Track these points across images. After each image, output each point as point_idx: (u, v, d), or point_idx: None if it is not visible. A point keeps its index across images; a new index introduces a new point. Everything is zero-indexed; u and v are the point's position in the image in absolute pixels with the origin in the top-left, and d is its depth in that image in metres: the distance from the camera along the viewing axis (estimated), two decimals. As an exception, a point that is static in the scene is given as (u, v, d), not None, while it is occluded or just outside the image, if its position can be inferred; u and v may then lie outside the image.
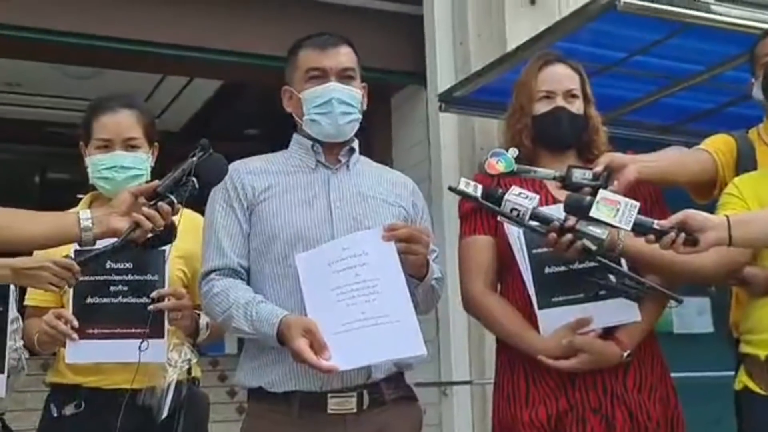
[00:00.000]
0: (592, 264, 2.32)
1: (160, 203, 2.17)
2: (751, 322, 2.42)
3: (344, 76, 2.42)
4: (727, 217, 2.22)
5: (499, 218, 2.34)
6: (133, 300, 2.59)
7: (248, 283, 2.36)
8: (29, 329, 2.67)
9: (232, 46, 5.37)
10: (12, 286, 2.61)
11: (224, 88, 7.32)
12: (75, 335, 2.53)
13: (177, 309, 2.57)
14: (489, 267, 2.55)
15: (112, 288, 2.60)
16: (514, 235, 2.42)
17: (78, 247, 2.33)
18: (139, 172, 2.69)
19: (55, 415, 2.65)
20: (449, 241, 4.05)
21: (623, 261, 2.39)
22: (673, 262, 2.30)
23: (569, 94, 2.59)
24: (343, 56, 2.44)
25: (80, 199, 2.84)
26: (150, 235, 2.21)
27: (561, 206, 2.30)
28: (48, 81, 7.12)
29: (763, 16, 4.28)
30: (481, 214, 2.55)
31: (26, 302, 2.75)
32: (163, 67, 6.07)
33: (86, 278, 2.50)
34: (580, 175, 2.39)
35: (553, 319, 2.40)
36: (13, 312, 2.65)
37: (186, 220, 2.33)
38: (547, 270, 2.40)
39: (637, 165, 2.46)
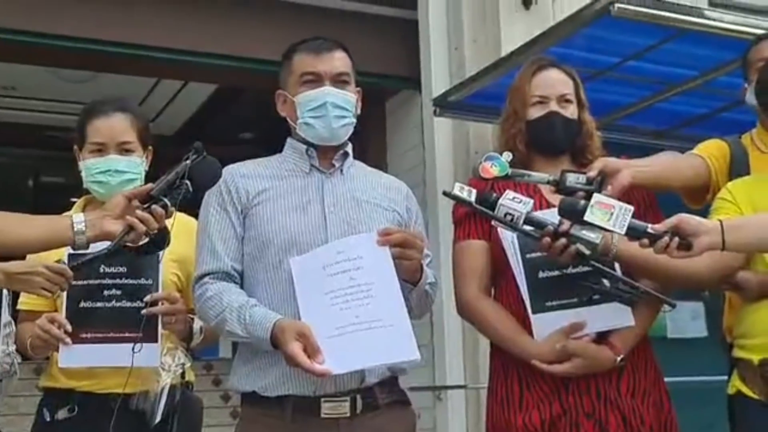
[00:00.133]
0: (586, 268, 2.32)
1: (153, 206, 2.16)
2: (745, 327, 2.42)
3: (339, 80, 2.42)
4: (720, 221, 2.22)
5: (493, 223, 2.34)
6: (127, 304, 2.58)
7: (241, 288, 2.35)
8: (22, 333, 2.66)
9: (227, 50, 5.38)
10: (5, 290, 2.60)
11: (219, 92, 7.32)
12: (68, 339, 2.52)
13: (171, 313, 2.56)
14: (483, 271, 2.54)
15: (105, 292, 2.59)
16: (508, 239, 2.42)
17: (71, 251, 2.32)
18: (133, 176, 2.68)
19: (48, 419, 2.64)
20: (444, 245, 4.05)
21: (617, 265, 2.38)
22: (666, 266, 2.30)
23: (563, 99, 2.59)
24: (338, 61, 2.43)
25: (74, 202, 2.84)
26: (144, 240, 2.20)
27: (555, 211, 2.30)
28: (43, 85, 7.13)
29: (756, 21, 4.30)
30: (475, 218, 2.54)
31: (19, 306, 2.74)
32: (158, 70, 6.08)
33: (80, 282, 2.49)
34: (573, 179, 2.38)
35: (547, 324, 2.39)
36: (5, 316, 2.64)
37: (180, 223, 2.33)
38: (540, 274, 2.40)
39: (630, 170, 2.45)
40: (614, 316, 2.38)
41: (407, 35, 5.73)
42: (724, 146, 2.73)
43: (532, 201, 2.28)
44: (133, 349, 2.45)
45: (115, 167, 2.67)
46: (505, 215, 2.24)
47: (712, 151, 2.72)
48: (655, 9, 4.13)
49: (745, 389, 2.40)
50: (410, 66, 5.74)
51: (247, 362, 2.34)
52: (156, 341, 2.53)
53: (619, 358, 2.40)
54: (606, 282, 2.33)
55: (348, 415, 2.26)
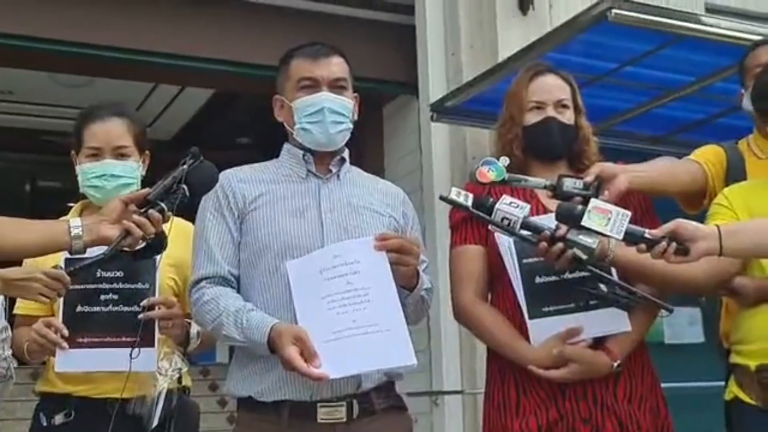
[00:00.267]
0: (583, 274, 2.32)
1: (150, 211, 2.16)
2: (741, 333, 2.42)
3: (336, 86, 2.42)
4: (717, 227, 2.22)
5: (490, 227, 2.34)
6: (124, 309, 2.58)
7: (238, 292, 2.35)
8: (18, 338, 2.65)
9: (224, 55, 5.38)
10: (1, 296, 2.60)
11: (216, 97, 7.32)
12: (65, 344, 2.51)
13: (167, 318, 2.56)
14: (479, 277, 2.54)
15: (102, 297, 2.58)
16: (505, 244, 2.42)
17: (68, 256, 2.32)
18: (129, 181, 2.68)
19: (45, 424, 2.63)
20: (441, 250, 4.05)
21: (614, 271, 2.38)
22: (663, 271, 2.30)
23: (560, 105, 2.59)
24: (335, 66, 2.44)
25: (71, 207, 2.84)
26: (141, 244, 2.20)
27: (552, 216, 2.30)
28: (40, 89, 7.12)
29: (752, 27, 4.30)
30: (471, 223, 2.55)
31: (16, 311, 2.73)
32: (155, 75, 6.08)
33: (76, 287, 2.49)
34: (570, 184, 2.38)
35: (544, 329, 2.39)
36: (2, 321, 2.64)
37: (177, 228, 2.33)
38: (537, 280, 2.40)
39: (627, 175, 2.46)
40: (611, 321, 2.38)
41: (404, 41, 5.74)
42: (720, 152, 2.74)
43: (529, 206, 2.29)
44: (131, 354, 2.44)
45: (111, 172, 2.67)
46: (502, 220, 2.25)
47: (708, 156, 2.73)
48: (652, 15, 4.14)
49: (742, 395, 2.40)
50: (407, 71, 5.74)
51: (244, 367, 2.34)
52: (153, 346, 2.53)
53: (615, 364, 2.40)
54: (603, 287, 2.33)
55: (344, 420, 2.26)
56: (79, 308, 2.57)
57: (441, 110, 5.24)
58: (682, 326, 5.45)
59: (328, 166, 2.46)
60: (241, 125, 7.87)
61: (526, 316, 2.40)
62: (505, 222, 2.25)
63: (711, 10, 5.73)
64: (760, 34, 3.80)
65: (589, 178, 2.41)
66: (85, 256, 2.23)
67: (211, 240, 2.36)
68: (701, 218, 2.46)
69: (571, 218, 2.23)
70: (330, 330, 2.18)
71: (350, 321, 2.18)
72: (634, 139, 5.40)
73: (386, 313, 2.19)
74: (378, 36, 5.72)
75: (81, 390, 2.61)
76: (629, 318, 2.38)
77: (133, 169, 2.70)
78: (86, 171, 2.69)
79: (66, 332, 2.52)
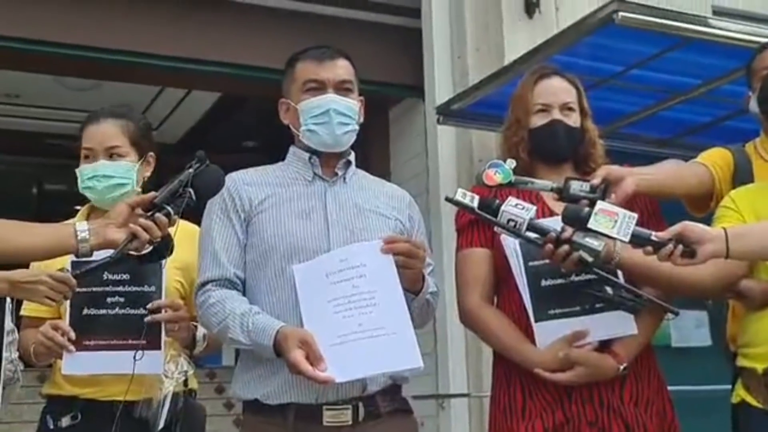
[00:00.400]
0: (589, 276, 2.32)
1: (157, 214, 2.17)
2: (748, 336, 2.42)
3: (342, 88, 2.43)
4: (724, 229, 2.22)
5: (495, 229, 2.34)
6: (130, 311, 2.58)
7: (244, 295, 2.36)
8: (25, 340, 2.66)
9: (230, 58, 5.39)
10: (8, 298, 2.61)
11: (222, 101, 7.33)
12: (71, 346, 2.52)
13: (174, 321, 2.57)
14: (485, 280, 2.54)
15: (109, 299, 2.59)
16: (511, 247, 2.42)
17: (74, 259, 2.32)
18: (122, 181, 2.69)
19: (51, 427, 2.64)
20: (447, 253, 4.06)
21: (620, 273, 2.38)
22: (670, 274, 2.30)
23: (565, 107, 2.59)
24: (341, 69, 2.44)
25: (78, 210, 2.85)
26: (147, 248, 2.21)
27: (558, 218, 2.30)
28: (46, 92, 7.14)
29: (760, 30, 4.30)
30: (477, 226, 2.55)
31: (22, 313, 2.74)
32: (162, 79, 6.09)
33: (83, 289, 2.50)
34: (577, 187, 2.38)
35: (550, 332, 2.39)
36: (8, 324, 2.64)
37: (183, 231, 2.33)
38: (543, 283, 2.40)
39: (634, 177, 2.46)
40: (617, 324, 2.38)
41: (410, 44, 5.74)
42: (727, 155, 2.73)
43: (535, 207, 2.28)
44: (134, 356, 2.45)
45: (103, 172, 2.69)
46: (508, 221, 2.25)
47: (715, 159, 2.72)
48: (659, 17, 4.13)
49: (749, 398, 2.39)
50: (413, 74, 5.74)
51: (249, 370, 2.34)
52: (159, 348, 2.54)
53: (621, 367, 2.40)
54: (609, 290, 2.33)
55: (350, 423, 2.26)
56: (85, 311, 2.58)
57: (447, 113, 5.25)
58: (689, 329, 5.44)
59: (334, 169, 2.46)
60: (248, 128, 7.88)
61: (531, 319, 2.40)
62: (511, 224, 2.25)
63: (718, 12, 5.72)
64: (767, 37, 3.79)
65: (595, 181, 2.40)
66: (92, 259, 2.24)
67: (217, 243, 2.37)
68: (708, 221, 2.46)
69: (577, 220, 2.23)
70: (336, 333, 2.18)
71: (356, 325, 2.18)
72: (641, 142, 5.40)
73: (393, 317, 2.19)
74: (384, 39, 5.73)
75: (88, 392, 2.62)
76: (635, 321, 2.38)
77: (126, 169, 2.71)
78: (82, 173, 2.72)
79: (73, 335, 2.53)
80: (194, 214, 2.40)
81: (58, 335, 2.52)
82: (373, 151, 5.92)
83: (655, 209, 2.61)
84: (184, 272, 2.70)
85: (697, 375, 4.75)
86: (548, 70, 2.68)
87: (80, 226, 2.15)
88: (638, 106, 5.14)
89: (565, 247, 2.24)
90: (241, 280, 2.37)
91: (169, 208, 2.18)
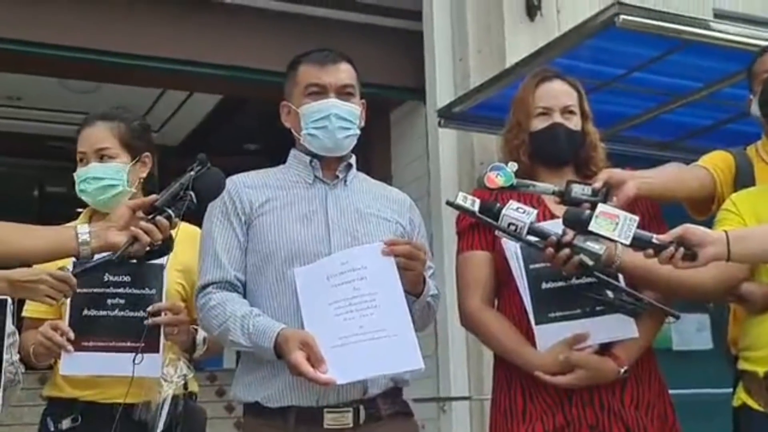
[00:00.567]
0: (590, 279, 2.32)
1: (158, 217, 2.17)
2: (749, 339, 2.42)
3: (343, 92, 2.42)
4: (726, 232, 2.22)
5: (496, 233, 2.34)
6: (130, 314, 2.59)
7: (245, 298, 2.36)
8: (26, 341, 2.67)
9: (232, 60, 5.40)
10: (9, 299, 2.61)
11: (224, 103, 7.34)
12: (70, 347, 2.53)
13: (173, 324, 2.57)
14: (486, 282, 2.54)
15: (109, 301, 2.60)
16: (511, 250, 2.42)
17: (75, 261, 2.33)
18: (112, 182, 2.70)
19: (52, 429, 2.64)
20: (448, 256, 4.06)
21: (621, 276, 2.38)
22: (670, 277, 2.30)
23: (566, 110, 2.59)
24: (343, 73, 2.44)
25: (79, 213, 2.85)
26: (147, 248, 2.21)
27: (559, 221, 2.30)
28: (48, 95, 7.15)
29: (761, 33, 4.30)
30: (478, 229, 2.55)
31: (24, 313, 2.75)
32: (163, 81, 6.10)
33: (84, 290, 2.50)
34: (579, 190, 2.38)
35: (550, 335, 2.39)
36: (9, 326, 2.64)
37: (184, 233, 2.33)
38: (544, 285, 2.40)
39: (636, 181, 2.45)
40: (618, 327, 2.38)
41: (412, 46, 5.75)
42: (729, 158, 2.73)
43: (535, 211, 2.28)
44: (134, 359, 2.45)
45: (93, 174, 2.71)
46: (509, 225, 2.25)
47: (717, 162, 2.72)
48: (660, 20, 4.14)
49: (750, 402, 2.39)
50: (415, 77, 5.75)
51: (250, 372, 2.34)
52: (158, 351, 2.54)
53: (622, 370, 2.40)
54: (609, 293, 2.33)
55: (351, 425, 2.26)
56: (85, 312, 2.59)
57: (448, 116, 5.25)
58: (690, 333, 5.44)
59: (335, 172, 2.46)
60: (249, 131, 7.89)
61: (532, 321, 2.40)
62: (512, 227, 2.25)
63: (719, 15, 5.73)
64: (768, 40, 3.79)
65: (597, 184, 2.40)
66: (93, 262, 2.24)
67: (218, 245, 2.37)
68: (709, 224, 2.46)
69: (578, 223, 2.23)
70: (337, 335, 2.18)
71: (357, 327, 2.18)
72: (642, 145, 5.40)
73: (394, 318, 2.19)
74: (385, 42, 5.74)
75: (88, 395, 2.62)
76: (636, 324, 2.38)
77: (116, 170, 2.71)
78: (77, 176, 2.74)
79: (72, 335, 2.53)
80: (195, 217, 2.40)
81: (56, 335, 2.53)
82: (374, 154, 5.93)
83: (656, 212, 2.61)
84: (185, 275, 2.70)
85: (699, 378, 4.75)
86: (549, 73, 2.68)
87: (81, 228, 2.15)
88: (639, 109, 5.15)
89: (566, 251, 2.24)
90: (242, 282, 2.37)
91: (170, 211, 2.18)
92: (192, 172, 2.20)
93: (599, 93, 4.49)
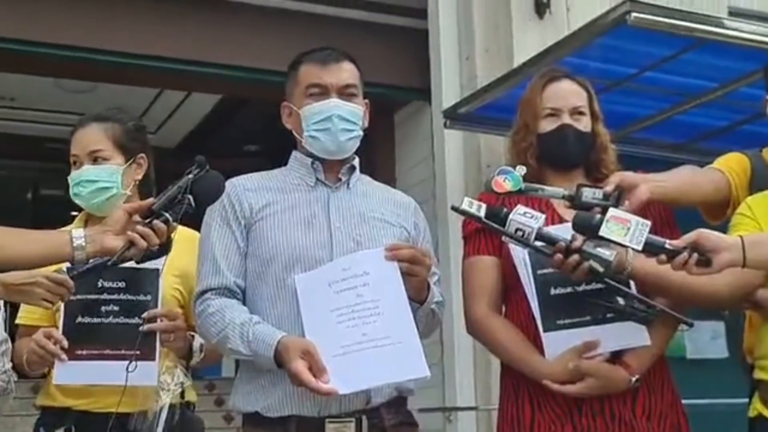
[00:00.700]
0: (600, 285, 2.32)
1: (155, 221, 2.17)
2: (765, 347, 2.41)
3: (346, 92, 2.42)
4: (741, 237, 2.21)
5: (503, 239, 2.33)
6: (125, 320, 2.59)
7: (244, 304, 2.36)
8: (19, 349, 2.67)
9: (231, 60, 5.40)
10: (2, 308, 2.61)
11: (223, 104, 7.34)
12: (64, 356, 2.53)
13: (169, 330, 2.57)
14: (493, 288, 2.54)
15: (103, 308, 2.60)
16: (519, 255, 2.42)
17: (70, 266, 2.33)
18: (106, 185, 2.71)
19: (45, 439, 2.64)
20: (454, 261, 4.04)
21: (632, 283, 2.38)
22: (683, 284, 2.29)
23: (576, 111, 2.58)
24: (345, 72, 2.44)
25: (74, 217, 2.86)
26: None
27: (568, 225, 2.30)
28: (43, 95, 7.16)
29: (778, 31, 4.29)
30: (485, 233, 2.54)
31: (18, 321, 2.76)
32: (161, 81, 6.10)
33: (77, 297, 2.51)
34: (590, 194, 2.37)
35: (559, 343, 2.39)
36: (2, 333, 2.65)
37: (183, 237, 2.34)
38: (552, 291, 2.39)
39: (648, 184, 2.45)
40: (629, 334, 2.38)
41: (417, 45, 5.75)
42: (744, 160, 2.73)
43: (543, 216, 2.28)
44: (127, 368, 2.44)
45: (86, 177, 2.71)
46: (516, 231, 2.24)
47: (732, 165, 2.72)
48: (673, 18, 4.13)
49: (766, 412, 2.38)
50: (420, 76, 5.75)
51: (249, 381, 2.34)
52: (153, 359, 2.54)
53: (634, 379, 2.39)
54: (620, 300, 2.33)
55: (354, 436, 2.26)
56: (79, 319, 2.59)
57: (454, 117, 5.25)
58: (704, 341, 5.43)
59: (337, 175, 2.46)
60: (249, 132, 7.89)
61: (540, 328, 2.40)
62: (519, 233, 2.24)
63: (734, 13, 5.72)
64: (784, 38, 3.79)
65: (608, 188, 2.40)
66: (88, 264, 2.24)
67: (217, 250, 2.37)
68: (724, 228, 2.46)
69: (588, 228, 2.22)
70: (339, 344, 2.18)
71: (360, 334, 2.18)
72: (655, 147, 5.40)
73: (398, 325, 2.19)
74: (390, 40, 5.74)
75: (82, 404, 2.62)
76: (648, 331, 2.38)
77: (110, 172, 2.72)
78: (70, 180, 2.74)
79: (65, 343, 2.54)
80: (194, 221, 2.40)
81: (50, 343, 2.53)
82: (377, 156, 5.93)
83: (669, 217, 2.61)
84: (183, 280, 2.71)
85: (713, 388, 4.74)
86: (558, 73, 2.67)
87: (76, 233, 2.15)
88: (652, 109, 5.14)
89: (575, 257, 2.24)
90: (241, 288, 2.37)
91: (167, 215, 2.17)
92: (190, 175, 2.20)
93: (610, 93, 4.48)
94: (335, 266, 2.27)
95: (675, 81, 4.78)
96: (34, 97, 7.23)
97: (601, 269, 2.22)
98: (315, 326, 2.22)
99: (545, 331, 2.40)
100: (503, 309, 2.58)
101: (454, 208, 2.31)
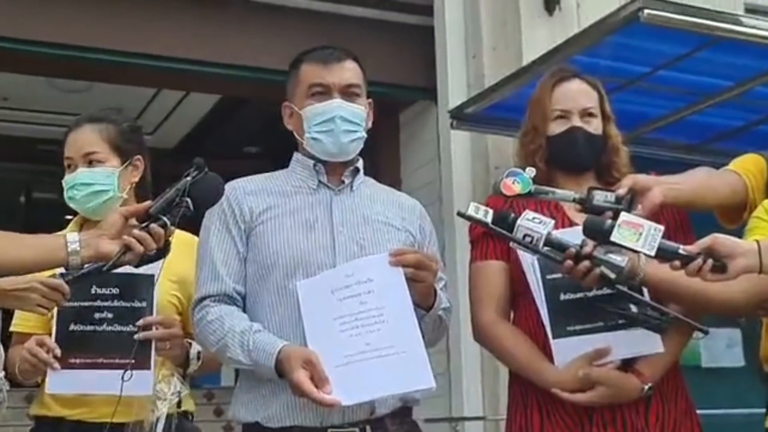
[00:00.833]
0: (611, 290, 2.31)
1: (152, 225, 2.17)
2: (783, 356, 2.41)
3: (348, 92, 2.42)
4: (757, 242, 2.21)
5: (511, 245, 2.33)
6: (119, 328, 2.59)
7: (244, 311, 2.36)
8: (12, 357, 2.67)
9: (231, 58, 5.41)
10: (-5, 311, 2.62)
11: (222, 104, 7.35)
12: (56, 364, 2.53)
13: (165, 338, 2.57)
14: (501, 294, 2.54)
15: (97, 315, 2.60)
16: (528, 260, 2.41)
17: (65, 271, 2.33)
18: (102, 188, 2.71)
19: (39, 449, 2.65)
20: (461, 266, 4.05)
21: (645, 289, 2.37)
22: (697, 291, 2.29)
23: (586, 113, 2.58)
24: (348, 72, 2.44)
25: (69, 221, 2.86)
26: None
27: (578, 229, 2.29)
28: (36, 95, 7.18)
29: (795, 28, 4.28)
30: (493, 237, 2.53)
31: (12, 329, 2.76)
32: (158, 80, 6.11)
33: (71, 304, 2.50)
34: (602, 197, 2.37)
35: (569, 350, 2.38)
36: (-6, 341, 2.65)
37: (181, 242, 2.34)
38: (562, 297, 2.39)
39: (662, 187, 2.45)
40: (642, 341, 2.37)
41: (422, 43, 5.75)
42: (761, 161, 2.72)
43: (552, 221, 2.28)
44: (122, 377, 2.44)
45: (81, 180, 2.72)
46: (524, 237, 2.24)
47: (748, 166, 2.71)
48: (687, 15, 4.13)
49: (783, 423, 2.38)
50: (425, 75, 5.75)
51: (250, 391, 2.34)
52: (148, 368, 2.54)
53: (646, 387, 2.39)
54: (633, 308, 2.32)
55: (357, 448, 2.26)
56: (72, 327, 2.59)
57: (461, 117, 5.25)
58: (720, 349, 5.43)
59: (340, 177, 2.46)
60: (249, 133, 7.90)
61: (549, 335, 2.40)
62: (528, 239, 2.24)
63: (750, 10, 5.72)
64: (803, 36, 3.79)
65: (621, 191, 2.39)
66: (83, 269, 2.24)
67: (216, 256, 2.37)
68: (740, 233, 2.45)
69: (599, 233, 2.22)
70: (342, 353, 2.18)
71: (363, 343, 2.18)
72: (668, 148, 5.40)
73: (402, 334, 2.19)
74: (394, 38, 5.74)
75: (76, 414, 2.63)
76: (661, 338, 2.37)
77: (106, 175, 2.73)
78: (64, 183, 2.75)
79: (58, 352, 2.54)
80: (192, 225, 2.40)
81: (42, 352, 2.53)
82: (382, 157, 5.93)
83: (683, 221, 2.61)
84: (181, 286, 2.71)
85: (729, 397, 4.74)
86: (567, 72, 2.67)
87: (71, 237, 2.15)
88: (665, 109, 5.14)
89: (586, 263, 2.23)
90: (241, 295, 2.37)
91: (164, 219, 2.17)
92: (188, 177, 2.20)
93: (622, 92, 4.49)
94: (338, 272, 2.27)
95: (689, 80, 4.78)
96: (27, 97, 7.26)
97: (612, 276, 2.22)
98: (317, 335, 2.22)
99: (554, 337, 2.39)
100: (512, 315, 2.58)
101: (460, 214, 2.30)
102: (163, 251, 2.20)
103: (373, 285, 2.22)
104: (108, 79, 6.06)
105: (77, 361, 2.56)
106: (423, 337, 2.23)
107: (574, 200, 2.41)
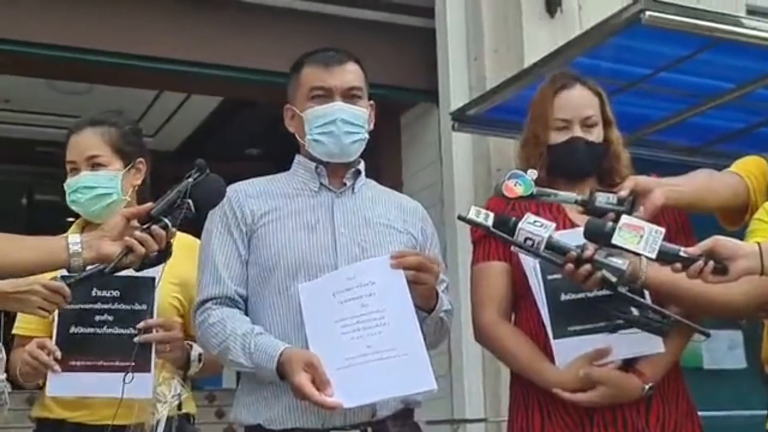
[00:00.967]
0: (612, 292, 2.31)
1: (153, 227, 2.17)
2: (785, 358, 2.41)
3: (350, 95, 2.42)
4: (758, 244, 2.21)
5: (512, 248, 2.33)
6: (119, 331, 2.59)
7: (246, 314, 2.36)
8: (14, 360, 2.68)
9: (232, 61, 5.40)
10: (-2, 314, 2.62)
11: (224, 106, 7.34)
12: (57, 367, 2.54)
13: (165, 341, 2.58)
14: (502, 295, 2.54)
15: (97, 317, 2.60)
16: (530, 262, 2.41)
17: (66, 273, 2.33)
18: (105, 191, 2.72)
19: (39, 452, 2.66)
20: (463, 267, 4.05)
21: (646, 292, 2.38)
22: (698, 293, 2.29)
23: (587, 122, 2.57)
24: (350, 74, 2.44)
25: (71, 223, 2.86)
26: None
27: (579, 231, 2.30)
28: (38, 97, 7.18)
29: (797, 30, 4.28)
30: (494, 239, 2.54)
31: (14, 331, 2.77)
32: (159, 82, 6.11)
33: (71, 307, 2.51)
34: (604, 199, 2.37)
35: (570, 350, 2.39)
36: (-4, 343, 2.66)
37: (182, 244, 2.34)
38: (563, 297, 2.39)
39: (663, 189, 2.45)
40: (642, 341, 2.37)
41: (424, 45, 5.75)
42: (763, 163, 2.72)
43: (553, 225, 2.27)
44: (123, 379, 2.44)
45: (84, 184, 2.72)
46: (525, 240, 2.24)
47: (750, 168, 2.71)
48: (688, 17, 4.13)
49: (785, 425, 2.38)
50: (427, 77, 5.75)
51: (251, 393, 2.34)
52: (149, 371, 2.54)
53: (647, 387, 2.39)
54: (634, 310, 2.32)
55: (358, 450, 2.26)
56: (72, 329, 2.60)
57: (463, 119, 5.25)
58: (721, 351, 5.42)
59: (342, 179, 2.46)
60: (251, 135, 7.90)
61: (550, 335, 2.40)
62: (529, 242, 2.24)
63: (752, 12, 5.72)
64: (804, 38, 3.79)
65: (623, 193, 2.40)
66: (85, 272, 2.24)
67: (217, 259, 2.37)
68: (741, 235, 2.45)
69: (600, 236, 2.22)
70: (343, 356, 2.18)
71: (365, 346, 2.18)
72: (669, 150, 5.39)
73: (404, 336, 2.19)
74: (396, 40, 5.74)
75: (77, 416, 2.63)
76: (662, 339, 2.37)
77: (109, 178, 2.73)
78: (67, 187, 2.75)
79: (59, 354, 2.54)
80: (194, 227, 2.40)
81: (43, 354, 2.54)
82: (383, 159, 5.93)
83: (684, 223, 2.61)
84: (182, 288, 2.71)
85: (731, 399, 4.74)
86: (569, 78, 2.64)
87: (72, 238, 2.15)
88: (666, 111, 5.14)
89: (587, 266, 2.23)
90: (243, 297, 2.37)
91: (166, 220, 2.17)
92: (190, 179, 2.20)
93: (623, 94, 4.49)
94: (339, 275, 2.28)
95: (690, 82, 4.78)
96: (28, 99, 7.25)
97: (614, 279, 2.22)
98: (319, 337, 2.22)
99: (555, 338, 2.39)
100: (513, 317, 2.58)
101: (461, 218, 2.30)
102: (164, 255, 2.21)
103: (374, 288, 2.23)
104: (109, 81, 6.06)
105: (78, 363, 2.57)
106: (424, 339, 2.23)
107: (576, 202, 2.41)
